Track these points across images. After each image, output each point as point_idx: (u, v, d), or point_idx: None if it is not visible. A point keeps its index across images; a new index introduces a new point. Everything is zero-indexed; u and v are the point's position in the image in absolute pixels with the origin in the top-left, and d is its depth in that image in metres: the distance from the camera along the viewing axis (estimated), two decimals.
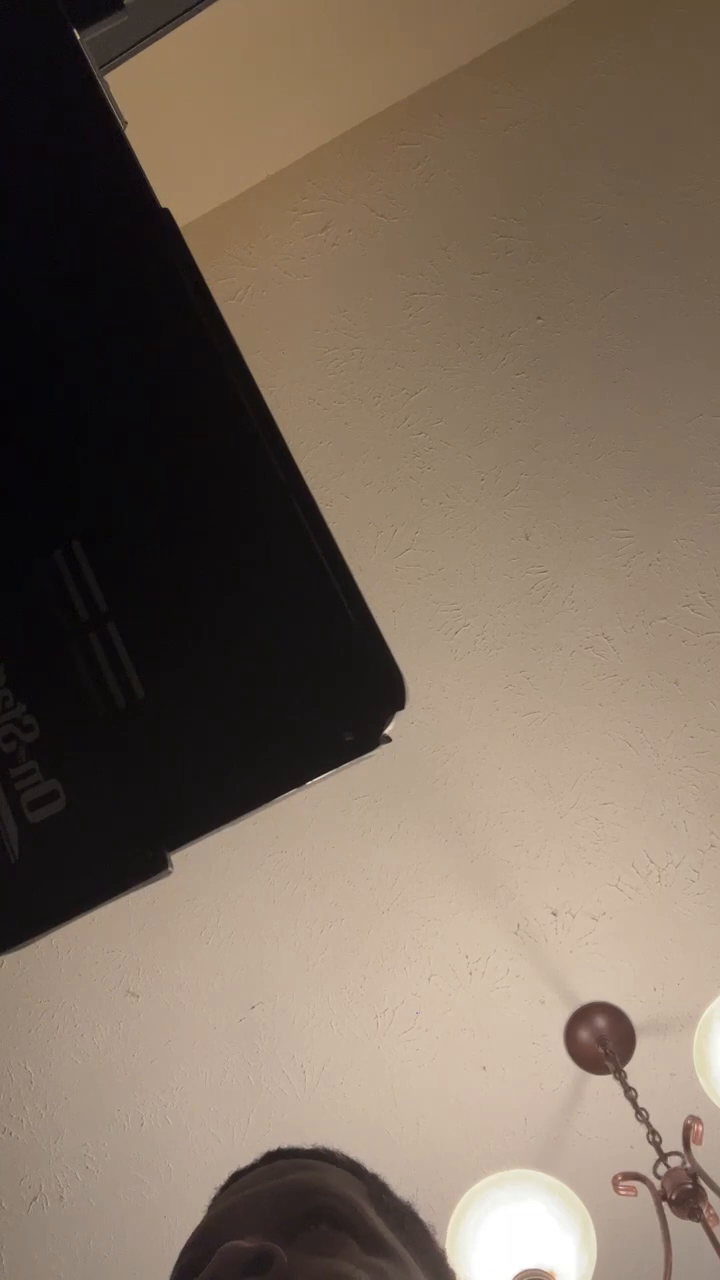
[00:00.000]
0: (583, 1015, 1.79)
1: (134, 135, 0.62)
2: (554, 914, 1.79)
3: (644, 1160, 1.54)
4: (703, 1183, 1.47)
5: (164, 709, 0.49)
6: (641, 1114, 1.58)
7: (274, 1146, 0.65)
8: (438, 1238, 0.64)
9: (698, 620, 1.77)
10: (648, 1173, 1.52)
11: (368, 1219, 0.58)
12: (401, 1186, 0.65)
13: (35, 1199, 1.84)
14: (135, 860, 0.47)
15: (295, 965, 1.81)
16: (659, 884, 1.79)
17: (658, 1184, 1.49)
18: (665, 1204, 1.47)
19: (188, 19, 0.79)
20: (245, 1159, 0.65)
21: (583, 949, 1.80)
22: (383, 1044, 1.81)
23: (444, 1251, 0.64)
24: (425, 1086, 1.82)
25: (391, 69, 1.73)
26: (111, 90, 0.65)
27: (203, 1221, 0.60)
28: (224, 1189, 0.64)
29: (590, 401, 1.75)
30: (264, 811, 0.47)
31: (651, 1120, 1.57)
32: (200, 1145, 1.78)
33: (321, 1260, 0.53)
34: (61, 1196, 1.83)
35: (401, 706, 0.47)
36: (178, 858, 0.47)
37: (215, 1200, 0.63)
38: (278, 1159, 0.63)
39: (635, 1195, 1.51)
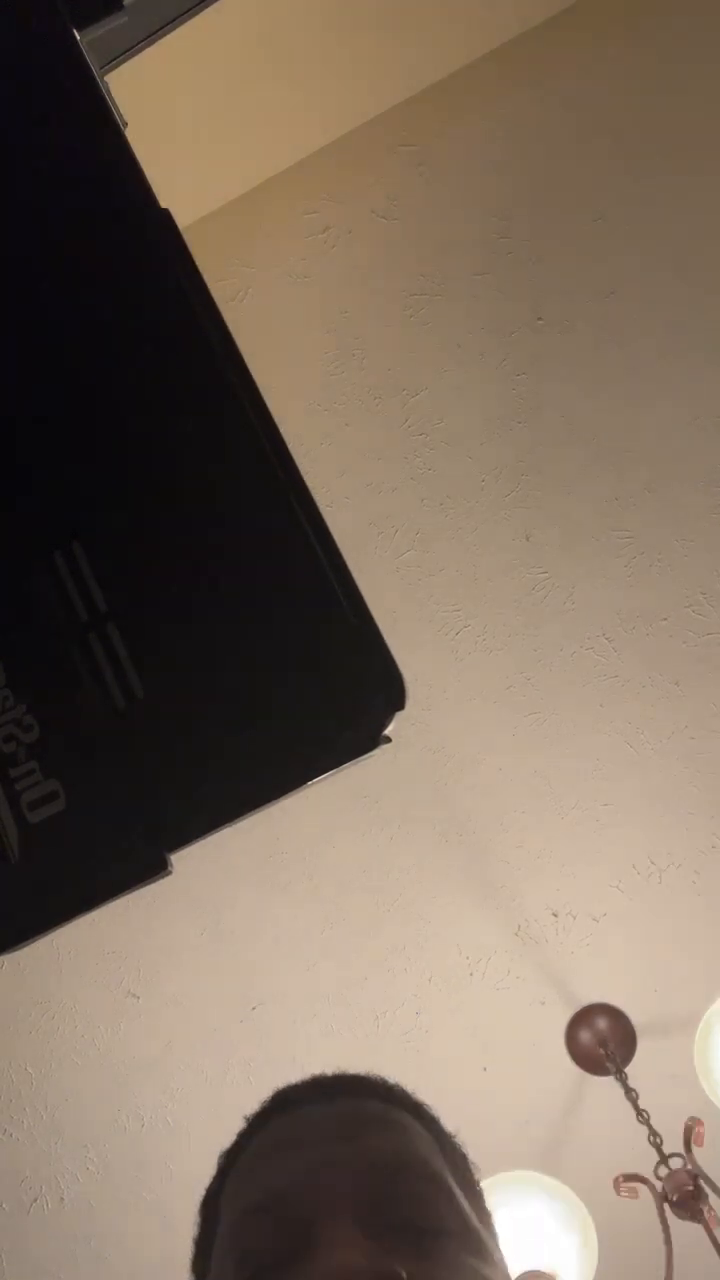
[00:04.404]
0: (583, 1016, 1.78)
1: (134, 135, 0.62)
2: (555, 915, 1.79)
3: (645, 1162, 1.54)
4: (704, 1184, 1.47)
5: (164, 709, 0.49)
6: (642, 1115, 1.58)
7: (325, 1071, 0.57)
8: (478, 1175, 0.57)
9: (698, 621, 1.77)
10: (649, 1174, 1.52)
11: (459, 1207, 0.50)
12: None
13: (35, 1200, 1.84)
14: (135, 860, 0.46)
15: (296, 966, 1.80)
16: (660, 885, 1.79)
17: (659, 1185, 1.49)
18: (666, 1205, 1.47)
19: (188, 19, 0.79)
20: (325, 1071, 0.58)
21: (583, 950, 1.80)
22: (383, 1045, 1.81)
23: (482, 1189, 0.56)
24: (425, 1087, 1.81)
25: (392, 70, 1.73)
26: (111, 90, 0.65)
27: (260, 1178, 0.51)
28: (269, 1116, 0.55)
29: (591, 402, 1.75)
30: (264, 811, 0.47)
31: (652, 1122, 1.57)
32: (201, 1146, 1.78)
33: (439, 1273, 0.46)
34: (62, 1198, 1.83)
35: (401, 707, 0.47)
36: (178, 858, 0.47)
37: (262, 1136, 0.54)
38: (339, 1095, 0.55)
39: (636, 1197, 1.51)
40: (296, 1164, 0.51)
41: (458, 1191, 0.52)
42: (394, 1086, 0.57)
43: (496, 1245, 0.53)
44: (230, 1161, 0.55)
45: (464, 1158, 0.56)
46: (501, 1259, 0.53)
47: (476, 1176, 0.56)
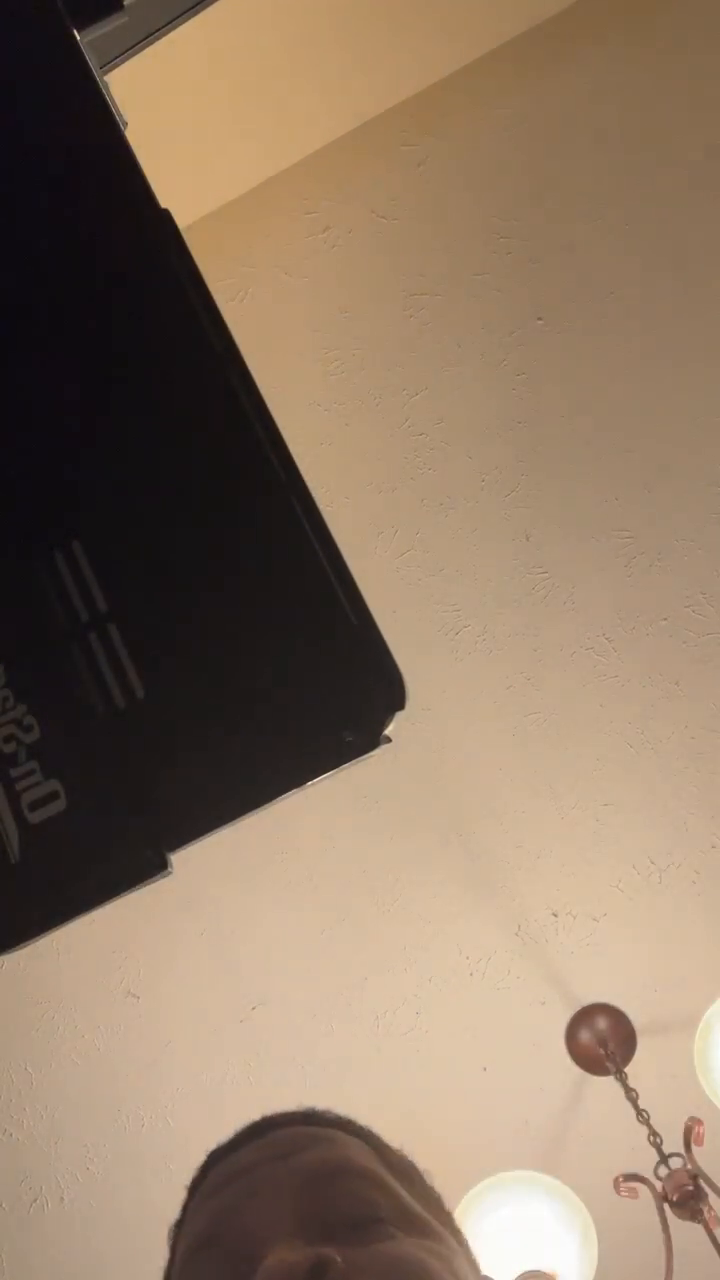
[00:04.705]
0: (583, 1016, 1.78)
1: (134, 135, 0.62)
2: (555, 915, 1.79)
3: (645, 1161, 1.54)
4: (704, 1184, 1.46)
5: (164, 709, 0.49)
6: (642, 1115, 1.58)
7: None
8: (432, 1184, 0.58)
9: (698, 621, 1.77)
10: (649, 1174, 1.52)
11: (398, 1196, 0.52)
12: None
13: (36, 1200, 1.84)
14: (135, 860, 0.46)
15: (296, 966, 1.80)
16: (660, 885, 1.79)
17: (659, 1185, 1.49)
18: (666, 1205, 1.47)
19: (187, 19, 0.79)
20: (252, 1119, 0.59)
21: (584, 950, 1.80)
22: (383, 1045, 1.81)
23: (440, 1196, 0.58)
24: (426, 1087, 1.82)
25: (392, 70, 1.73)
26: (111, 90, 0.65)
27: (204, 1217, 0.52)
28: (207, 1170, 0.56)
29: (591, 402, 1.75)
30: (264, 812, 0.47)
31: (652, 1121, 1.56)
32: (201, 1146, 1.77)
33: (375, 1248, 0.47)
34: (62, 1198, 1.83)
35: (401, 707, 0.47)
36: (178, 858, 0.47)
37: (202, 1185, 0.56)
38: (269, 1129, 0.56)
39: (636, 1197, 1.51)
40: (235, 1193, 0.52)
41: (394, 1184, 0.53)
42: (321, 1110, 0.59)
43: (452, 1234, 0.54)
44: (177, 1231, 0.56)
45: (409, 1164, 0.57)
46: (459, 1246, 0.54)
47: (428, 1181, 0.57)
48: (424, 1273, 0.47)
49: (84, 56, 0.64)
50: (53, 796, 0.48)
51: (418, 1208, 0.53)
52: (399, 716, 0.47)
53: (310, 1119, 0.58)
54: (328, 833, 1.78)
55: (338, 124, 1.76)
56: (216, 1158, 0.57)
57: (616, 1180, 1.52)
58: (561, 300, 1.74)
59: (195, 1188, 0.57)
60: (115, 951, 1.79)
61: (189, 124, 1.63)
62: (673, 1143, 1.52)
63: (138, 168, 0.60)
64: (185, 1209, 0.57)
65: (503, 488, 1.76)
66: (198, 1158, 0.58)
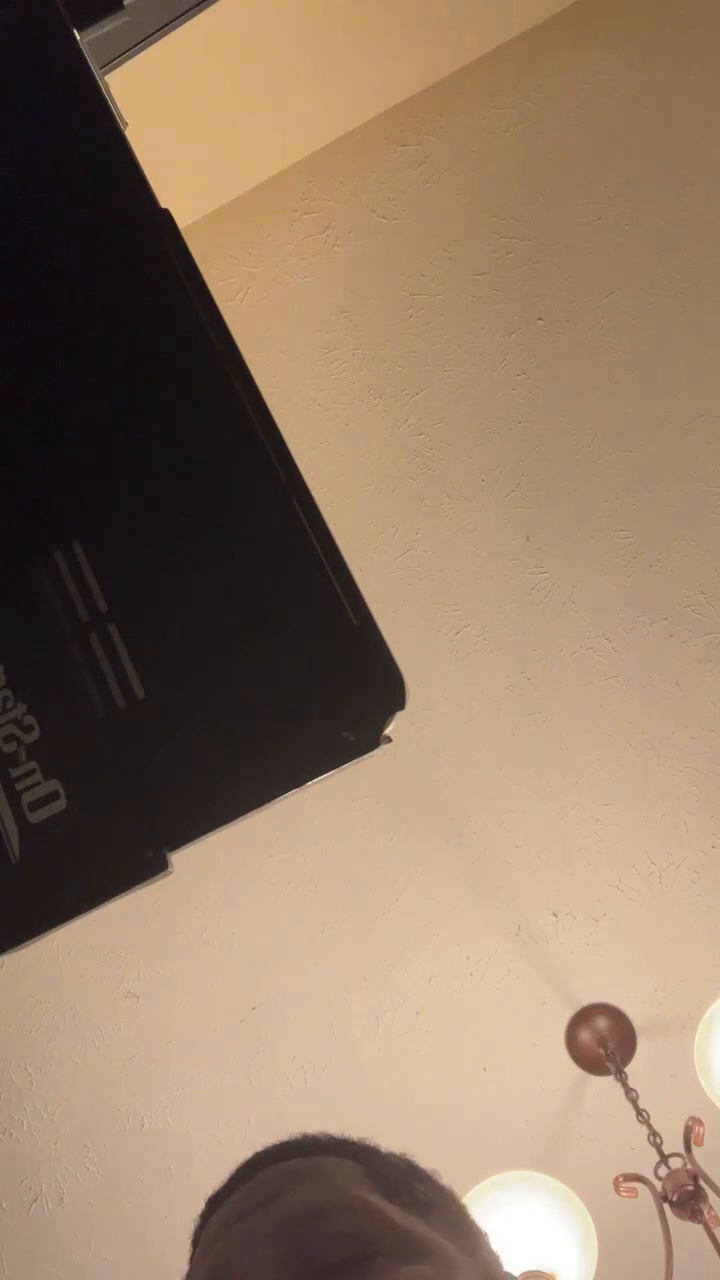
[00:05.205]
0: (584, 1016, 1.78)
1: (134, 135, 0.62)
2: (555, 915, 1.79)
3: (645, 1161, 1.54)
4: (703, 1184, 1.46)
5: (164, 709, 0.49)
6: (642, 1115, 1.58)
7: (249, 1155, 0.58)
8: (440, 1180, 0.57)
9: (698, 621, 1.77)
10: (649, 1174, 1.51)
11: (389, 1222, 0.51)
12: None
13: (36, 1200, 1.84)
14: (135, 860, 0.46)
15: (296, 966, 1.80)
16: (660, 885, 1.79)
17: (659, 1185, 1.49)
18: (666, 1205, 1.47)
19: (187, 20, 0.79)
20: (245, 1158, 0.59)
21: (584, 950, 1.80)
22: (383, 1045, 1.81)
23: (452, 1191, 0.57)
24: (426, 1088, 1.82)
25: (392, 70, 1.73)
26: (111, 90, 0.65)
27: (202, 1274, 0.53)
28: (206, 1219, 0.56)
29: (591, 402, 1.75)
30: (264, 812, 0.47)
31: (652, 1121, 1.56)
32: (201, 1147, 1.78)
33: None
34: (62, 1198, 1.83)
35: (402, 707, 0.47)
36: (178, 858, 0.47)
37: (201, 1236, 0.56)
38: (259, 1168, 0.56)
39: (636, 1197, 1.51)
40: (225, 1248, 0.52)
41: (387, 1207, 0.52)
42: (312, 1135, 0.58)
43: (460, 1236, 0.54)
44: None
45: (409, 1171, 0.57)
46: (466, 1257, 0.53)
47: (436, 1181, 0.57)
48: None
49: (84, 56, 0.64)
50: (53, 796, 0.48)
51: (416, 1225, 0.52)
52: (399, 716, 0.47)
53: (300, 1148, 0.57)
54: (328, 833, 1.78)
55: (338, 124, 1.76)
56: (213, 1205, 0.57)
57: (616, 1180, 1.52)
58: (561, 300, 1.74)
59: (196, 1239, 0.56)
60: (116, 952, 1.79)
61: (189, 124, 1.63)
62: (673, 1143, 1.52)
63: (138, 168, 0.60)
64: (190, 1261, 0.56)
65: (503, 488, 1.76)
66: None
